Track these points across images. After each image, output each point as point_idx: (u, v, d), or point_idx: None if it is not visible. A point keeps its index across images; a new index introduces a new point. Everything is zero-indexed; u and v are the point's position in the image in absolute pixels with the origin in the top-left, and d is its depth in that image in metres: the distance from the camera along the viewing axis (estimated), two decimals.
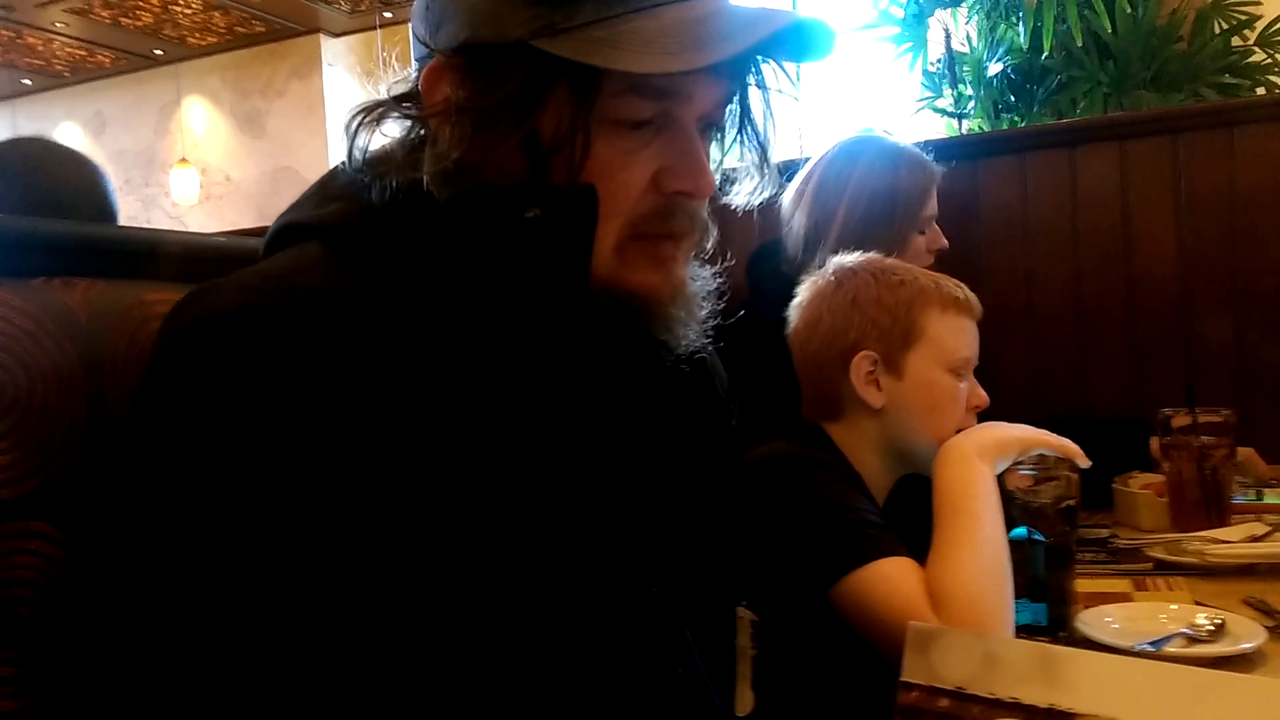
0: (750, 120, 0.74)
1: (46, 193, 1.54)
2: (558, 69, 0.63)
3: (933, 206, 1.75)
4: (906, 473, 1.22)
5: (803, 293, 1.24)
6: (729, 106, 0.72)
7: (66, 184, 1.58)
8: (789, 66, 0.72)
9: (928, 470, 1.14)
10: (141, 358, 0.73)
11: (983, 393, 1.22)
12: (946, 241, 1.77)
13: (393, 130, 0.71)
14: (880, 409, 1.17)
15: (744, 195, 0.79)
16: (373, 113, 0.70)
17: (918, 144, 1.81)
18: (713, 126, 0.72)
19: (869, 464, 1.19)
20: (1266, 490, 1.53)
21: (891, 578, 0.96)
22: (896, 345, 1.17)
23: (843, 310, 1.19)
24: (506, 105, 0.64)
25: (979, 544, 0.97)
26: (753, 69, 0.72)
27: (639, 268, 0.68)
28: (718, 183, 0.76)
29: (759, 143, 0.75)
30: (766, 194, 0.79)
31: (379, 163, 0.68)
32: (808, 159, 1.79)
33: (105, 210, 1.63)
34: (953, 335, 1.20)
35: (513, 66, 0.64)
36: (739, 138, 0.75)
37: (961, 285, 1.25)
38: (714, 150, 0.75)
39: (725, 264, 0.81)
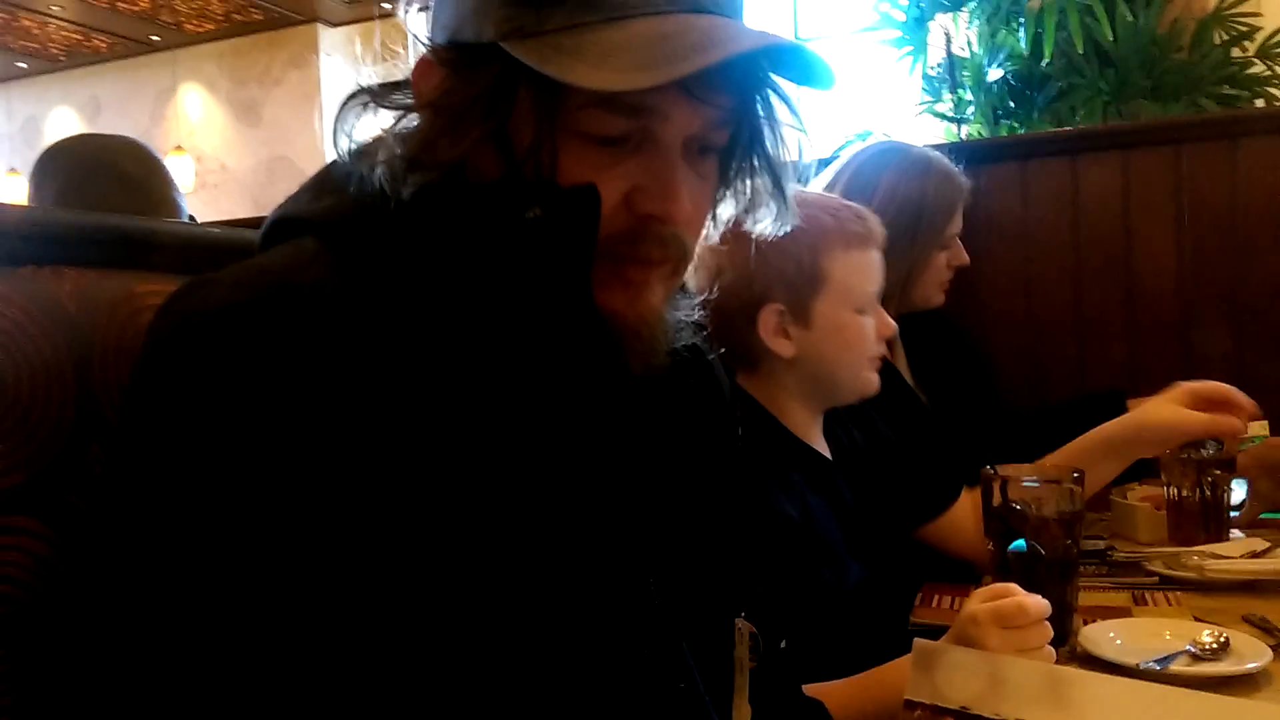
0: (760, 146, 0.71)
1: (93, 195, 1.46)
2: (524, 75, 0.61)
3: (958, 223, 1.69)
4: (830, 407, 1.25)
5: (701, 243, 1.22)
6: (728, 130, 0.69)
7: (118, 184, 1.49)
8: (793, 95, 0.69)
9: (848, 400, 1.22)
10: (132, 350, 0.71)
11: (890, 320, 1.24)
12: (968, 258, 1.72)
13: (389, 123, 0.69)
14: (792, 358, 1.17)
15: (763, 225, 0.76)
16: (357, 99, 0.68)
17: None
18: (710, 150, 0.69)
19: (792, 411, 1.20)
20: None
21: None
22: (803, 294, 1.17)
23: (745, 261, 1.13)
24: (474, 106, 0.63)
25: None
26: (758, 95, 0.68)
27: (603, 288, 0.65)
28: (733, 211, 0.73)
29: (771, 170, 0.72)
30: (786, 226, 0.76)
31: (370, 155, 0.66)
32: (823, 160, 1.76)
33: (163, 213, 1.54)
34: (857, 274, 1.20)
35: (485, 67, 0.62)
36: (748, 164, 0.72)
37: (862, 214, 1.24)
38: (722, 175, 0.72)
39: None
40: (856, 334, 1.19)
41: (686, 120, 0.65)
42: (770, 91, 0.69)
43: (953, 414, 1.69)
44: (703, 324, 0.77)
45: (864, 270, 1.21)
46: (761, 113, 0.70)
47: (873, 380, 1.23)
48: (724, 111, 0.66)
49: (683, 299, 0.75)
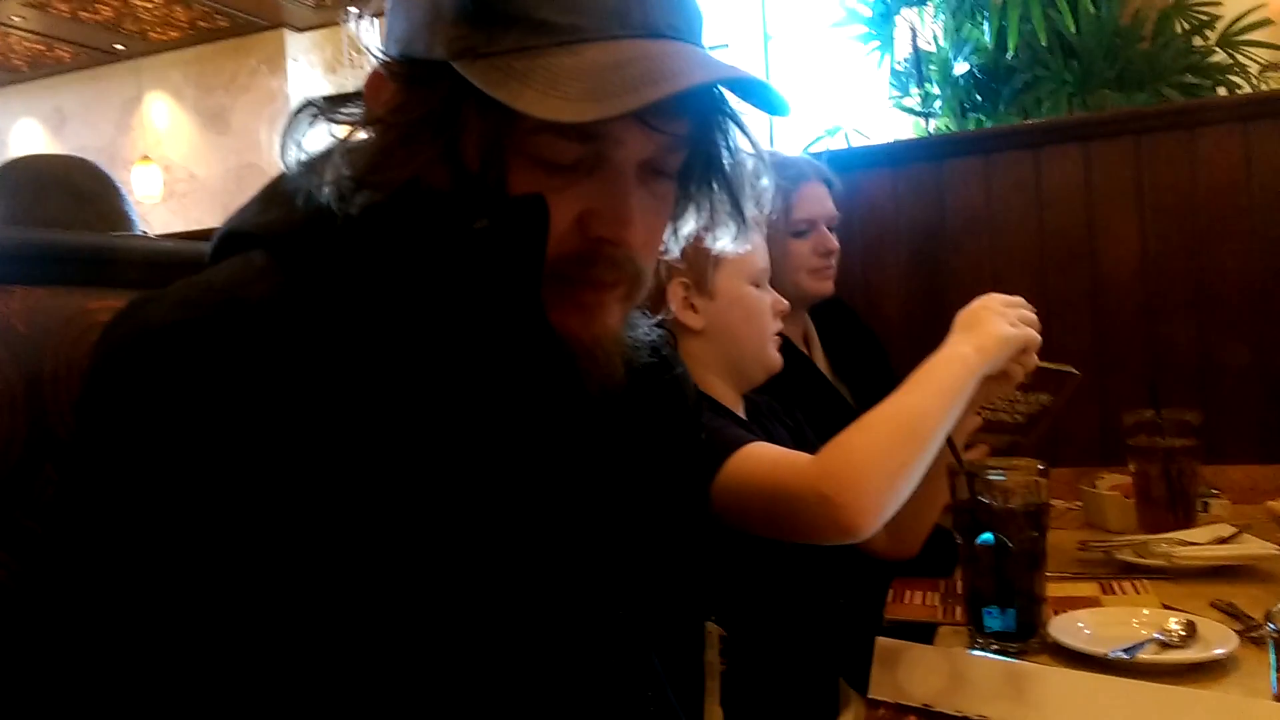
0: (716, 167, 0.71)
1: (45, 211, 1.45)
2: (474, 95, 0.60)
3: (808, 209, 1.72)
4: (748, 389, 1.32)
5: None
6: (682, 154, 0.68)
7: (69, 199, 1.48)
8: (748, 119, 0.69)
9: (758, 378, 1.30)
10: (84, 368, 0.70)
11: (781, 298, 1.33)
12: (836, 243, 1.75)
13: (342, 132, 0.68)
14: (701, 330, 1.27)
15: (723, 242, 0.76)
16: (306, 111, 0.67)
17: (885, 144, 1.81)
18: (663, 174, 0.68)
19: (713, 386, 1.27)
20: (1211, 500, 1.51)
21: (761, 454, 1.05)
22: (703, 265, 1.26)
23: None
24: (424, 124, 0.62)
25: (902, 412, 1.02)
26: (713, 119, 0.68)
27: (557, 310, 0.65)
28: (692, 228, 0.73)
29: (728, 190, 0.72)
30: (746, 243, 0.76)
31: (319, 169, 0.65)
32: None
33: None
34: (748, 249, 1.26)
35: (435, 85, 0.61)
36: (706, 184, 0.72)
37: None
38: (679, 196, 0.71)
39: None
40: (755, 306, 1.28)
41: (640, 146, 0.64)
42: (726, 116, 0.68)
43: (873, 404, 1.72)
44: (660, 343, 0.76)
45: (755, 246, 1.29)
46: (718, 137, 0.69)
47: (775, 357, 1.31)
48: (678, 137, 0.66)
49: (640, 317, 0.75)
